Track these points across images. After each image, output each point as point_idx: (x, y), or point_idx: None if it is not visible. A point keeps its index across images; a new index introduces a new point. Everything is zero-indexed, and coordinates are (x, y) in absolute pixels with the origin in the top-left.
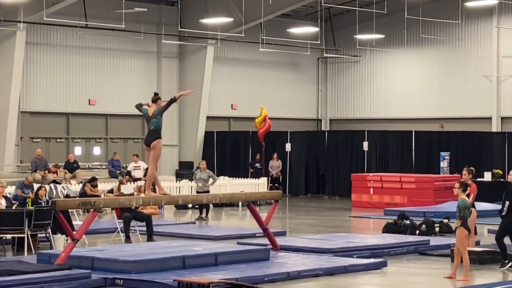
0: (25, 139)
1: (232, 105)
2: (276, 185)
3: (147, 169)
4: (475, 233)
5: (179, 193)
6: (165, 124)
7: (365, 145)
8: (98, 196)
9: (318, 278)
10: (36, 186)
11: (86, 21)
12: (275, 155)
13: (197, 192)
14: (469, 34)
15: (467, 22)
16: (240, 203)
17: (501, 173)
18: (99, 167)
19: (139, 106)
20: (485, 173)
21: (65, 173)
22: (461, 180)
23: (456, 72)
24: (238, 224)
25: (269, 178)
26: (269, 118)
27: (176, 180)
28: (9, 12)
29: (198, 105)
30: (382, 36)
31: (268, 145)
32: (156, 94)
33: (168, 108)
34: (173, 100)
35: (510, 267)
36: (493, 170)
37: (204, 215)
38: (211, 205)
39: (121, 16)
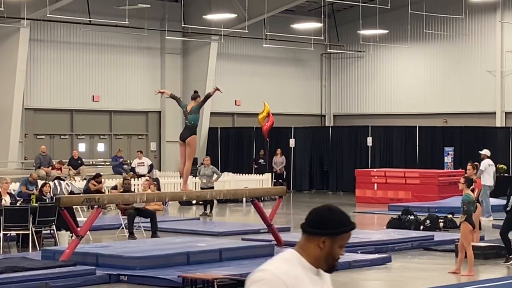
0: (29, 136)
1: (236, 101)
2: (280, 181)
3: (151, 165)
4: (480, 228)
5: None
6: (168, 120)
7: (369, 140)
8: (102, 192)
9: None
10: (40, 182)
11: (90, 18)
12: (279, 151)
13: (201, 188)
14: (473, 29)
15: (470, 17)
16: (244, 199)
17: (505, 168)
18: (103, 163)
19: (179, 100)
20: None
21: (69, 169)
22: (466, 175)
23: (460, 67)
24: (242, 220)
25: (273, 174)
26: (272, 114)
27: (180, 176)
28: (12, 9)
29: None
30: (386, 31)
31: (272, 141)
32: (195, 92)
33: (205, 104)
34: (208, 96)
35: None
36: (497, 165)
37: (208, 211)
38: (215, 201)
39: (125, 13)
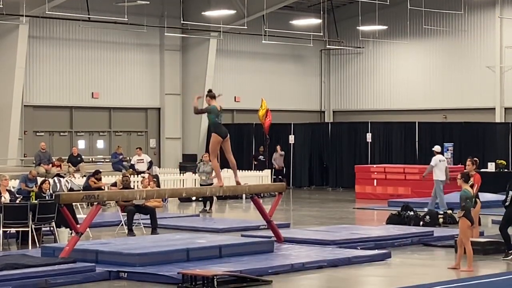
0: (29, 133)
1: (235, 97)
2: (280, 177)
3: (150, 162)
4: (479, 224)
5: (183, 186)
6: (167, 117)
7: (369, 136)
8: (102, 189)
9: (322, 269)
10: (40, 179)
11: (89, 15)
12: (279, 147)
13: (201, 185)
14: (472, 25)
15: (470, 12)
16: (243, 196)
17: (505, 163)
18: (103, 160)
19: (205, 110)
20: (489, 163)
21: (69, 166)
22: (464, 171)
23: (459, 63)
24: (242, 216)
25: (273, 170)
26: (272, 111)
27: (180, 173)
28: (11, 6)
29: (201, 98)
30: (385, 27)
31: (271, 137)
32: (210, 91)
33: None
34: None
35: None
36: (497, 160)
37: (208, 207)
38: (214, 198)
39: (124, 9)
